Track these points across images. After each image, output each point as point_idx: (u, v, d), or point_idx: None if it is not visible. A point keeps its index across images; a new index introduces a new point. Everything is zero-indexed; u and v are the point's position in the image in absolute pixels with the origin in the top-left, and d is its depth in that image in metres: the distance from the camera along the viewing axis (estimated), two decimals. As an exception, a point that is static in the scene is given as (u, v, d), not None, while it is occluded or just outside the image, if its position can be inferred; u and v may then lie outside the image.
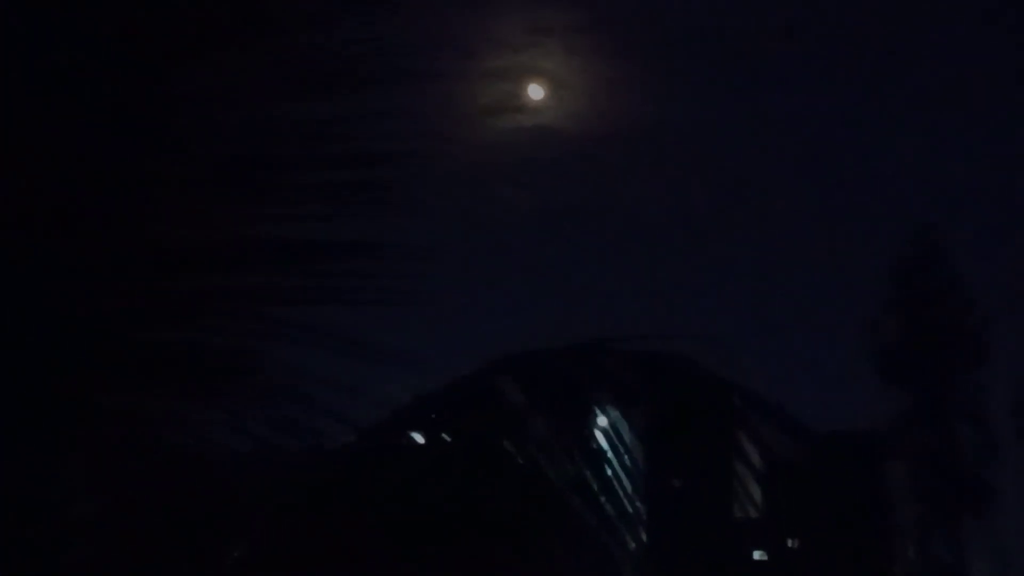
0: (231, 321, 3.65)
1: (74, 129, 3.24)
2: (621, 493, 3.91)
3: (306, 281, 3.58)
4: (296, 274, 3.57)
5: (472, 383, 4.26)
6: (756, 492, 4.32)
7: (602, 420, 4.02)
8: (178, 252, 3.47)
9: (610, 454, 3.96)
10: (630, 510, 4.02)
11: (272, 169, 3.46)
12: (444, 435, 4.32)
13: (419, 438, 4.25)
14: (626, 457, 3.96)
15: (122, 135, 3.29)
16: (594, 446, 3.98)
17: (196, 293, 3.59)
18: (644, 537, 4.11)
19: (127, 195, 3.33)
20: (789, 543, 19.87)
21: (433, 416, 4.29)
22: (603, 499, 3.89)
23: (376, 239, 3.59)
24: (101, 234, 3.38)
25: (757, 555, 19.61)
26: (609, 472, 3.92)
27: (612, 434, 4.00)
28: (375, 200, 3.56)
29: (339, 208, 3.54)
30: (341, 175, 3.50)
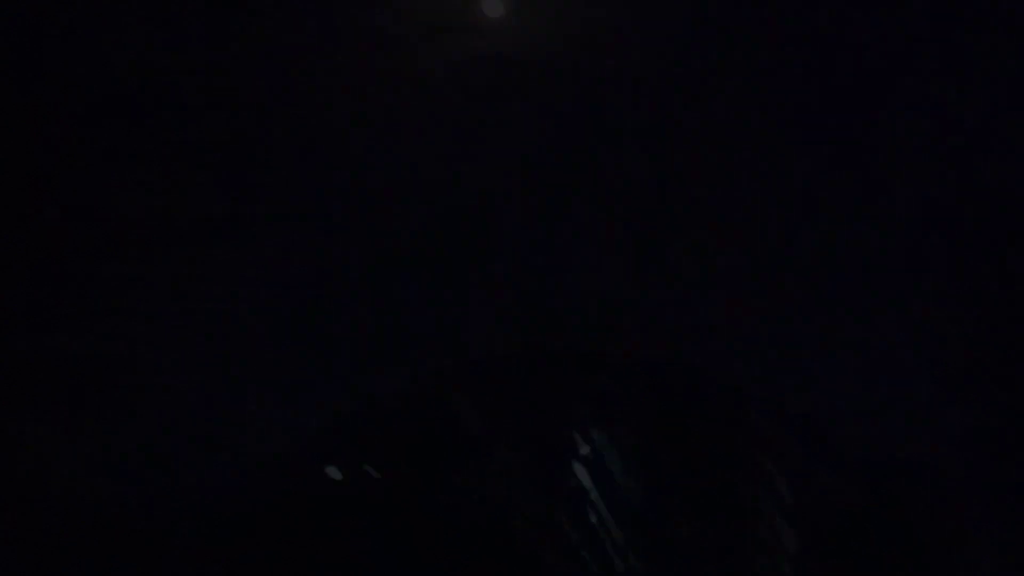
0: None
1: None
2: (608, 544, 2.88)
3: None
4: None
5: (414, 400, 3.46)
6: (791, 541, 3.36)
7: (584, 448, 3.01)
8: None
9: (593, 493, 2.92)
10: (620, 568, 2.98)
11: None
12: (367, 468, 3.45)
13: (335, 473, 3.35)
14: (615, 495, 2.91)
15: None
16: (572, 482, 2.94)
17: None
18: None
19: None
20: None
21: (355, 444, 3.37)
22: (583, 552, 2.87)
23: None
24: None
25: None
26: (592, 516, 2.88)
27: (596, 466, 2.96)
28: None
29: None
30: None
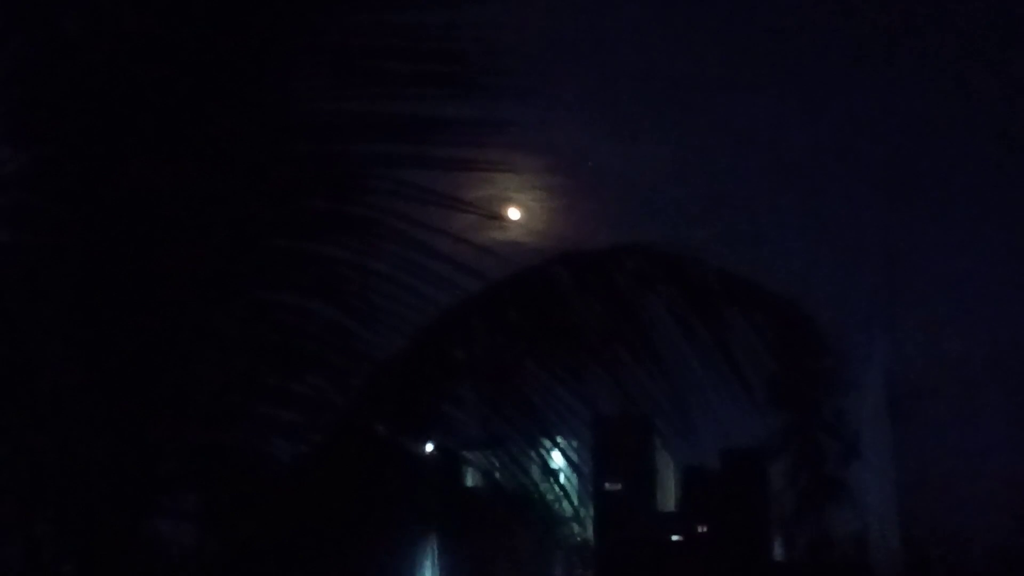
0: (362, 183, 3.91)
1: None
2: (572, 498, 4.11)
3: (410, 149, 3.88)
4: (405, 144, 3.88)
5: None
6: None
7: (560, 440, 4.19)
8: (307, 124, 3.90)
9: (565, 471, 4.16)
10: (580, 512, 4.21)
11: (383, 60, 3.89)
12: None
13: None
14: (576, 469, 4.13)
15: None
16: (552, 465, 4.16)
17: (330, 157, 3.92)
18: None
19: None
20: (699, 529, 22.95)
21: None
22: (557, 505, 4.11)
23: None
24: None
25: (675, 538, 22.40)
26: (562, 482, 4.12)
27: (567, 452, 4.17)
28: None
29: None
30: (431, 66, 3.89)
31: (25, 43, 3.79)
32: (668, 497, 25.15)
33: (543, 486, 4.26)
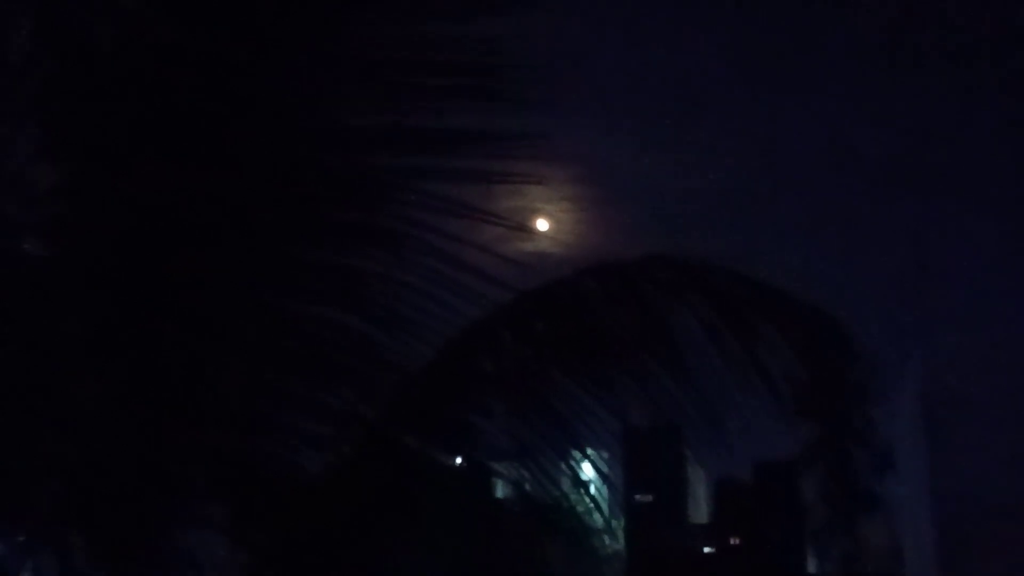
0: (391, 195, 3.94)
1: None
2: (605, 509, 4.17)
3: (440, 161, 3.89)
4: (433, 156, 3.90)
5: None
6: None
7: (591, 451, 4.20)
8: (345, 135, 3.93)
9: (595, 483, 4.17)
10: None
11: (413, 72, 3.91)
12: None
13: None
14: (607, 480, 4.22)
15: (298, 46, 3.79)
16: (583, 477, 4.17)
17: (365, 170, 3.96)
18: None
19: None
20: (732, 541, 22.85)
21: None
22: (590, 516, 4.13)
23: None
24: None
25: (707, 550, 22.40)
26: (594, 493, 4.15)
27: (597, 463, 4.20)
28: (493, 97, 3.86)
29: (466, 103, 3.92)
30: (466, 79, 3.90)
31: (57, 60, 3.83)
32: (700, 509, 25.07)
33: (573, 498, 4.24)
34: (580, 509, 4.25)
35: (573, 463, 4.20)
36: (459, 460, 4.36)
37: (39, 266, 3.93)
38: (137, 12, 3.79)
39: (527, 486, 4.20)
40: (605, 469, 4.31)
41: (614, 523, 4.86)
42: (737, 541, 22.56)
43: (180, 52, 3.81)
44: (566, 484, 4.20)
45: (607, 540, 4.57)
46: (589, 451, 4.27)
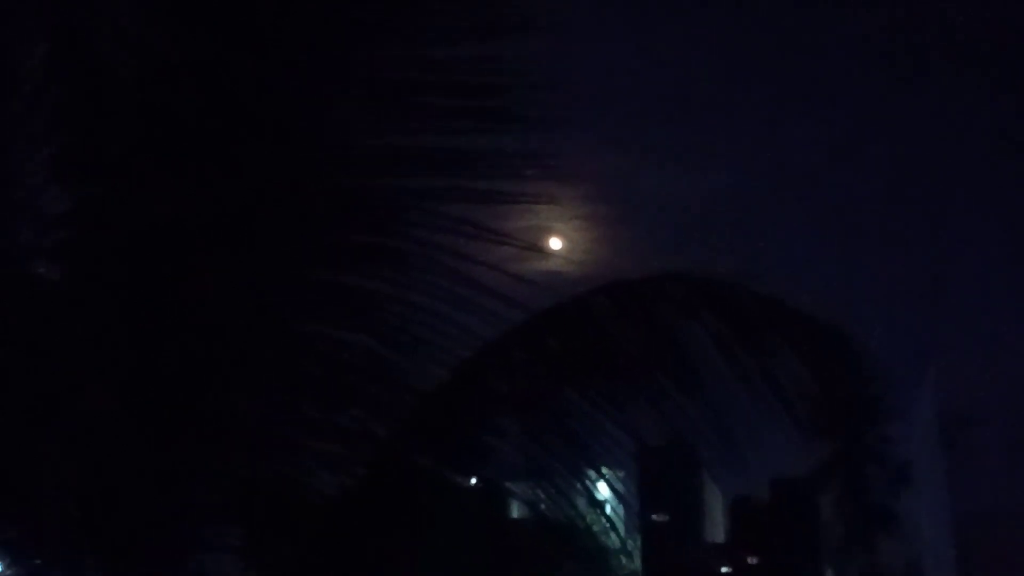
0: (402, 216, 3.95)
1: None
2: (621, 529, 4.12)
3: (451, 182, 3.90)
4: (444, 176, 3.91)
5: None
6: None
7: (606, 470, 4.19)
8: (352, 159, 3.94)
9: (611, 502, 4.15)
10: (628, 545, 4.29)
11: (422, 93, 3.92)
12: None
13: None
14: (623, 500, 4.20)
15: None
16: (599, 496, 4.16)
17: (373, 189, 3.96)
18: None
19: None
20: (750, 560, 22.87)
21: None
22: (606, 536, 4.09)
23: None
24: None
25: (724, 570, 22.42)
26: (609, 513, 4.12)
27: (613, 483, 4.18)
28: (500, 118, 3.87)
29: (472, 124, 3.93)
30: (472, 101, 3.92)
31: (69, 87, 3.86)
32: (717, 528, 25.02)
33: (589, 518, 4.22)
34: (596, 529, 4.24)
35: (588, 483, 4.19)
36: (473, 480, 4.35)
37: (53, 291, 3.95)
38: (148, 38, 3.82)
39: (542, 506, 4.20)
40: (620, 488, 4.30)
41: (630, 543, 4.71)
42: (755, 560, 22.51)
43: (191, 76, 3.83)
44: (581, 504, 4.19)
45: (623, 560, 4.54)
46: (604, 470, 4.26)
